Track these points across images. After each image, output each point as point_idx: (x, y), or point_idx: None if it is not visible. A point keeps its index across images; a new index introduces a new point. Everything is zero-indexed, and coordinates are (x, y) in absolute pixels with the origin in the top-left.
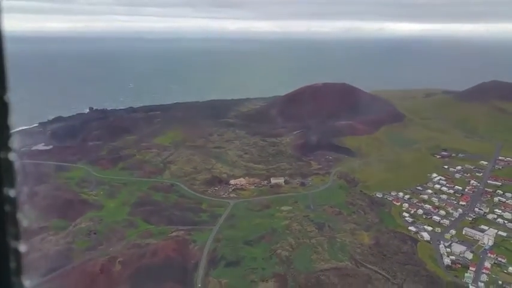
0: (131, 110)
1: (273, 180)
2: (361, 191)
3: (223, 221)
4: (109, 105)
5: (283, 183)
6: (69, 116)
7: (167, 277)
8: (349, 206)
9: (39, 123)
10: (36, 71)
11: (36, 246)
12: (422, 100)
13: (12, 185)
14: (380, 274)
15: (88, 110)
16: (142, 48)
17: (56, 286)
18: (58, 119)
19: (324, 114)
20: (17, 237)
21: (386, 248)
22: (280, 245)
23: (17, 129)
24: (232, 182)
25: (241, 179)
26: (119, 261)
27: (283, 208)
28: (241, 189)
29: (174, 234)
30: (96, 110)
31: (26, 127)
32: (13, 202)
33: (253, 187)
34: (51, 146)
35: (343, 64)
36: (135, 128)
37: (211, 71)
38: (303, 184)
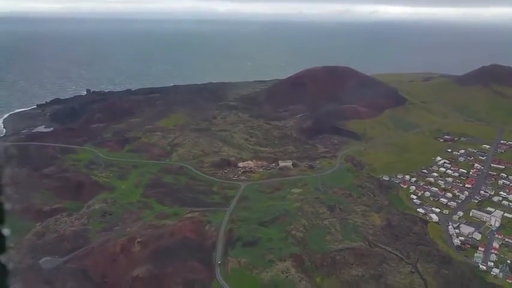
0: (130, 92)
1: (281, 163)
2: (368, 173)
3: (236, 202)
4: (105, 87)
5: (292, 166)
6: (67, 98)
7: (187, 257)
8: (358, 189)
9: (38, 105)
10: (27, 52)
11: (51, 227)
12: (421, 84)
13: None
14: (394, 254)
15: (86, 92)
16: (133, 30)
17: (78, 266)
18: (56, 100)
19: (325, 98)
20: None
21: (397, 229)
22: (294, 226)
23: (16, 111)
24: (240, 164)
25: (249, 161)
26: (137, 241)
27: (293, 190)
28: (251, 171)
29: (189, 215)
30: (94, 92)
31: (24, 109)
32: None
33: (261, 170)
34: (52, 128)
35: (337, 47)
36: (137, 111)
37: (204, 53)
38: (311, 167)
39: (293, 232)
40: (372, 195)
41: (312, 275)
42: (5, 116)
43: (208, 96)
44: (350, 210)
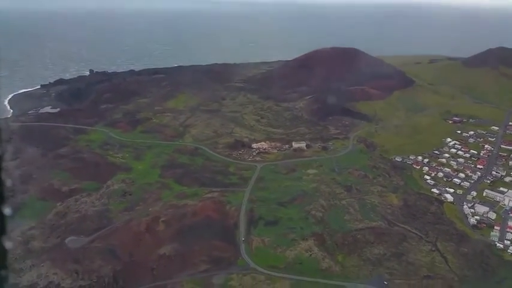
0: (133, 72)
1: (295, 145)
2: (380, 154)
3: (253, 183)
4: (108, 68)
5: (305, 148)
6: (71, 79)
7: (211, 235)
8: (373, 169)
9: (42, 86)
10: (26, 32)
11: (72, 207)
12: (427, 66)
13: None
14: (413, 233)
15: (89, 73)
16: (132, 8)
17: (104, 245)
18: (60, 81)
19: (333, 79)
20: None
21: (414, 208)
22: (313, 206)
23: (20, 92)
24: (254, 145)
25: (263, 143)
26: (161, 220)
27: (309, 171)
28: (266, 152)
29: (208, 195)
30: (97, 72)
31: (28, 89)
32: None
33: (275, 151)
34: (58, 109)
35: (340, 28)
36: (144, 91)
37: (205, 34)
38: (324, 148)
39: (313, 212)
40: (387, 175)
41: (334, 254)
42: (10, 96)
43: (214, 77)
44: (367, 191)
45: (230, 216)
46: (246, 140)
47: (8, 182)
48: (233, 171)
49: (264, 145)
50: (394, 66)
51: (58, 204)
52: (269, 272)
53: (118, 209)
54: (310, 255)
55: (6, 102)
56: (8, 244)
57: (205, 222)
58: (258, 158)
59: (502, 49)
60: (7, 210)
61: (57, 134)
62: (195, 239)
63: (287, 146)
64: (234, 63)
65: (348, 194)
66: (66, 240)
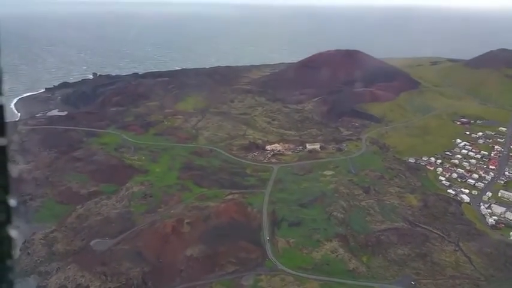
0: (137, 75)
1: (309, 146)
2: (394, 156)
3: (272, 184)
4: (111, 71)
5: (320, 149)
6: (76, 82)
7: (236, 237)
8: (389, 171)
9: (46, 89)
10: (24, 35)
11: (93, 210)
12: (430, 68)
13: (1, 133)
14: (435, 233)
15: (92, 76)
16: (129, 12)
17: (130, 247)
18: (64, 84)
19: (339, 81)
20: (5, 188)
21: (434, 209)
22: (333, 208)
23: (24, 96)
24: (268, 147)
25: (276, 144)
26: (186, 222)
27: (325, 172)
28: (281, 154)
29: (229, 197)
30: (101, 75)
31: (32, 93)
32: (3, 151)
33: (290, 152)
34: (66, 112)
35: (336, 31)
36: (152, 94)
37: (204, 37)
38: (339, 149)
39: (334, 213)
40: (403, 177)
41: (358, 255)
42: (15, 100)
43: (220, 79)
44: (385, 192)
45: (253, 217)
46: (259, 142)
47: (14, 173)
48: (250, 172)
49: (277, 147)
50: (397, 68)
51: (78, 207)
52: (297, 273)
53: (140, 211)
54: (337, 256)
55: (12, 106)
56: (13, 233)
57: (230, 223)
58: (273, 160)
59: (503, 51)
60: (12, 201)
61: (69, 137)
62: (220, 241)
63: (301, 147)
64: (237, 66)
65: (366, 195)
66: (92, 243)
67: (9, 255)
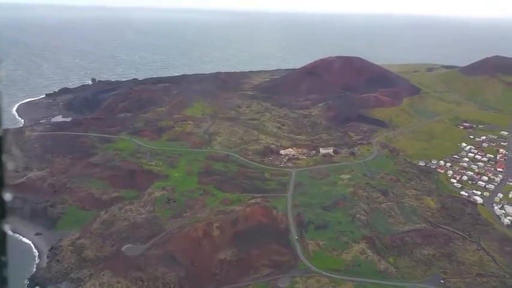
0: (138, 81)
1: (323, 150)
2: (405, 159)
3: (292, 188)
4: (109, 77)
5: (333, 153)
6: (76, 88)
7: (266, 240)
8: (403, 174)
9: (46, 95)
10: (16, 41)
11: (118, 215)
12: (426, 74)
13: None
14: (456, 233)
15: (91, 82)
16: (120, 18)
17: (163, 251)
18: (64, 90)
19: (342, 87)
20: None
21: (452, 210)
22: (355, 210)
23: (25, 101)
24: (282, 152)
25: (290, 149)
26: (215, 226)
27: (342, 176)
28: (296, 158)
29: (252, 201)
30: (100, 81)
31: (32, 99)
32: None
33: (304, 157)
34: (70, 118)
35: (327, 38)
36: (158, 100)
37: (197, 43)
38: (352, 154)
39: (357, 215)
40: (418, 179)
41: (385, 256)
42: (16, 105)
43: (222, 85)
44: (403, 194)
45: (279, 221)
46: (273, 146)
47: (10, 165)
48: (269, 177)
49: (291, 151)
50: (397, 74)
51: (102, 212)
52: (331, 275)
53: (166, 216)
54: (366, 257)
55: (13, 111)
56: (6, 227)
57: (258, 227)
58: (289, 164)
59: (498, 58)
60: (7, 195)
61: (82, 143)
62: (251, 244)
63: (314, 151)
64: (235, 72)
65: (385, 198)
66: (123, 248)
67: (3, 251)
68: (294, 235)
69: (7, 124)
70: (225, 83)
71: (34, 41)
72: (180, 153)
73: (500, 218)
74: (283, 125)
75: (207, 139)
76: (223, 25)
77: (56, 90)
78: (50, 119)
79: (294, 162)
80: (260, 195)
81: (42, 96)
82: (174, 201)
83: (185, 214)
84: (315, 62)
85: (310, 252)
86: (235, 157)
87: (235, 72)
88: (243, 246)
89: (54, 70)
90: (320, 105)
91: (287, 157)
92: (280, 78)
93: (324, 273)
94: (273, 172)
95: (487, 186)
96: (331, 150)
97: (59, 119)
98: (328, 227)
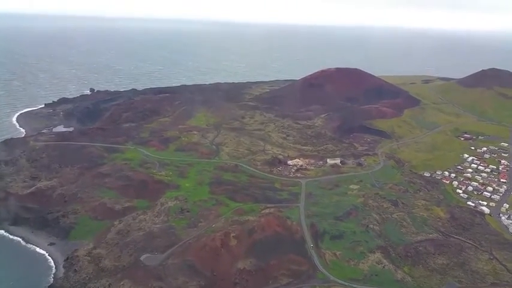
0: (137, 91)
1: (330, 161)
2: (410, 170)
3: (304, 198)
4: (107, 87)
5: (340, 164)
6: (75, 97)
7: (284, 249)
8: (411, 184)
9: (46, 105)
10: (9, 51)
11: (133, 225)
12: (423, 86)
13: None
14: (468, 243)
15: (89, 92)
16: (115, 28)
17: (182, 261)
18: (64, 100)
19: (343, 98)
20: None
21: (461, 220)
22: (368, 220)
23: (24, 111)
24: (290, 162)
25: (297, 160)
26: (232, 236)
27: (351, 187)
28: (304, 169)
29: (265, 211)
30: (98, 91)
31: (32, 109)
32: None
33: (312, 167)
34: (72, 128)
35: (318, 50)
36: (161, 110)
37: (193, 53)
38: (359, 164)
39: (370, 226)
40: (426, 190)
41: (400, 265)
42: (15, 115)
43: (223, 96)
44: (412, 205)
45: (294, 230)
46: (281, 157)
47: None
48: (280, 187)
49: (299, 162)
50: (396, 86)
51: (115, 222)
52: (350, 284)
53: (181, 225)
54: (383, 267)
55: (14, 121)
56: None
57: (274, 236)
58: (298, 174)
59: (494, 70)
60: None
61: (89, 153)
62: (269, 254)
63: (321, 162)
64: (233, 82)
65: (396, 208)
66: (142, 258)
67: None
68: (310, 243)
69: (9, 133)
70: (226, 93)
71: (29, 52)
72: (189, 164)
73: (508, 228)
74: (288, 135)
75: (215, 149)
76: (213, 35)
77: (55, 100)
78: (52, 129)
79: (303, 172)
80: (273, 205)
81: (41, 106)
82: (188, 211)
83: (200, 224)
84: (315, 73)
85: (328, 262)
86: (245, 167)
87: (233, 82)
88: (261, 256)
89: (49, 80)
90: (322, 115)
91: (295, 167)
92: (280, 89)
93: (343, 282)
94: (283, 182)
95: (492, 196)
96: (339, 161)
97: (60, 128)
98: (343, 237)
